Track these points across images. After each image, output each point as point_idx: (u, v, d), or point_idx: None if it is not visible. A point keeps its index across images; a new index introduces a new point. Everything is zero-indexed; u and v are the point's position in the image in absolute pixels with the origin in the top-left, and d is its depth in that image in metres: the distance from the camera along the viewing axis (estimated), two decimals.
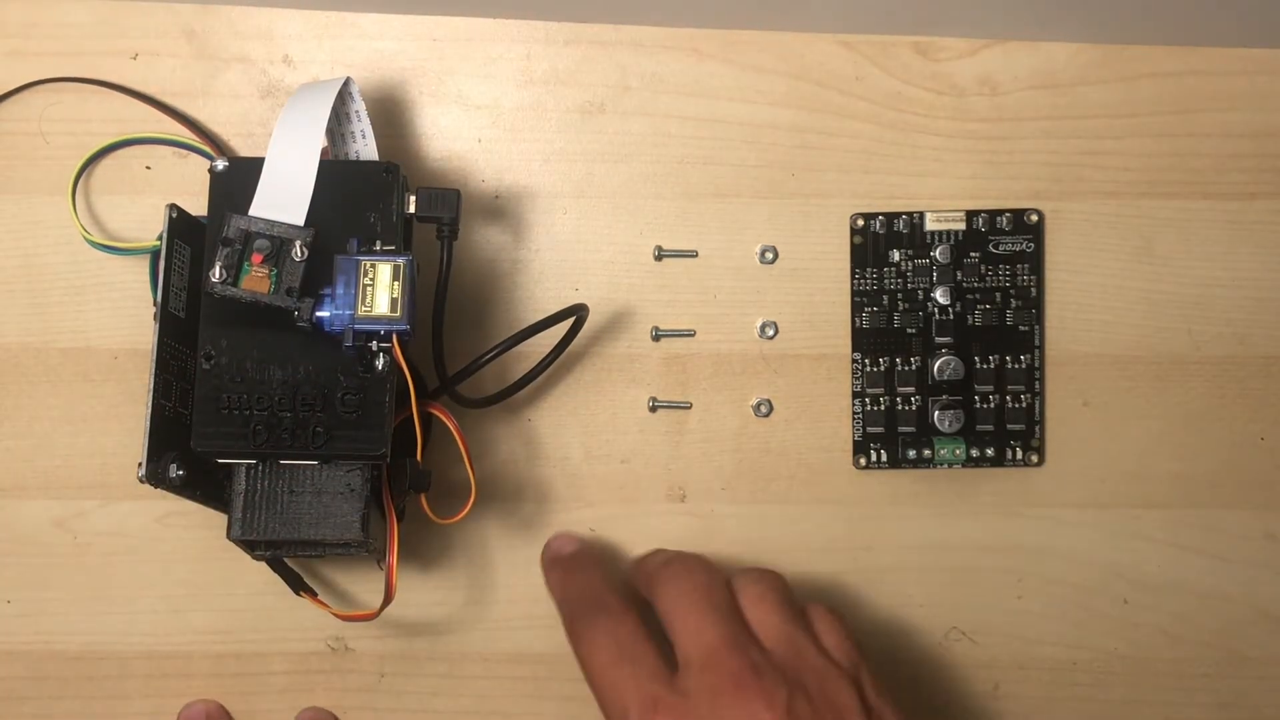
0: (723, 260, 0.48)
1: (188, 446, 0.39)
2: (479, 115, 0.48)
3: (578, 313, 0.44)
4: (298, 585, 0.43)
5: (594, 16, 0.47)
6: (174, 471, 0.39)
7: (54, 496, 0.47)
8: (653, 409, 0.48)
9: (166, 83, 0.47)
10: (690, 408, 0.48)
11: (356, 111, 0.42)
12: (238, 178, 0.40)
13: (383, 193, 0.40)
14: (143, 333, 0.46)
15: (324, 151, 0.41)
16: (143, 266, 0.46)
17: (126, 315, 0.47)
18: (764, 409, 0.48)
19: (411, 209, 0.41)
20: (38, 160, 0.47)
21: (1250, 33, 0.47)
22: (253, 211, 0.39)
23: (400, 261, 0.38)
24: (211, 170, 0.40)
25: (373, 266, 0.38)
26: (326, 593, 0.47)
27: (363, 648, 0.47)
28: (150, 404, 0.40)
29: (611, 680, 0.39)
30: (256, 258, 0.38)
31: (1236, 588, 0.48)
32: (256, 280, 0.38)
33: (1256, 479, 0.48)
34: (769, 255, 0.48)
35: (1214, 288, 0.48)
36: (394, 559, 0.41)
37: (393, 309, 0.38)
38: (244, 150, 0.47)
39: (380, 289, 0.38)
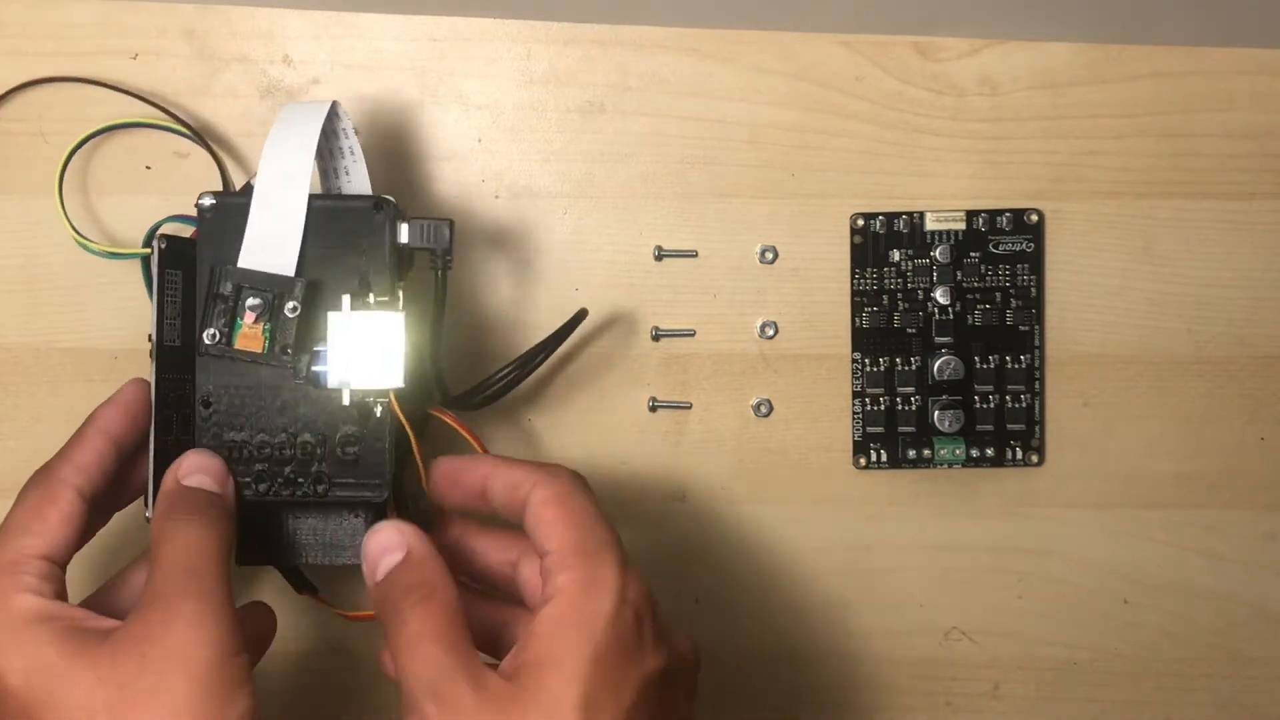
0: (723, 260, 0.48)
1: None
2: (479, 115, 0.48)
3: (580, 317, 0.44)
4: (300, 584, 0.43)
5: (594, 16, 0.47)
6: None
7: None
8: (653, 409, 0.48)
9: (166, 83, 0.47)
10: (690, 408, 0.48)
11: (344, 129, 0.42)
12: (227, 215, 0.39)
13: (374, 230, 0.40)
14: (143, 333, 0.46)
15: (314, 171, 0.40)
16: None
17: (126, 315, 0.47)
18: (764, 409, 0.48)
19: (404, 239, 0.40)
20: (38, 160, 0.47)
21: (1250, 33, 0.47)
22: (241, 262, 0.39)
23: (393, 320, 0.38)
24: (198, 206, 0.40)
25: (366, 326, 0.38)
26: (328, 592, 0.47)
27: (363, 648, 0.47)
28: (152, 448, 0.39)
29: None
30: (249, 316, 0.38)
31: (1236, 588, 0.48)
32: (250, 339, 0.39)
33: (1256, 479, 0.48)
34: (769, 255, 0.48)
35: (1214, 288, 0.48)
36: None
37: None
38: (244, 149, 0.47)
39: (374, 348, 0.38)
